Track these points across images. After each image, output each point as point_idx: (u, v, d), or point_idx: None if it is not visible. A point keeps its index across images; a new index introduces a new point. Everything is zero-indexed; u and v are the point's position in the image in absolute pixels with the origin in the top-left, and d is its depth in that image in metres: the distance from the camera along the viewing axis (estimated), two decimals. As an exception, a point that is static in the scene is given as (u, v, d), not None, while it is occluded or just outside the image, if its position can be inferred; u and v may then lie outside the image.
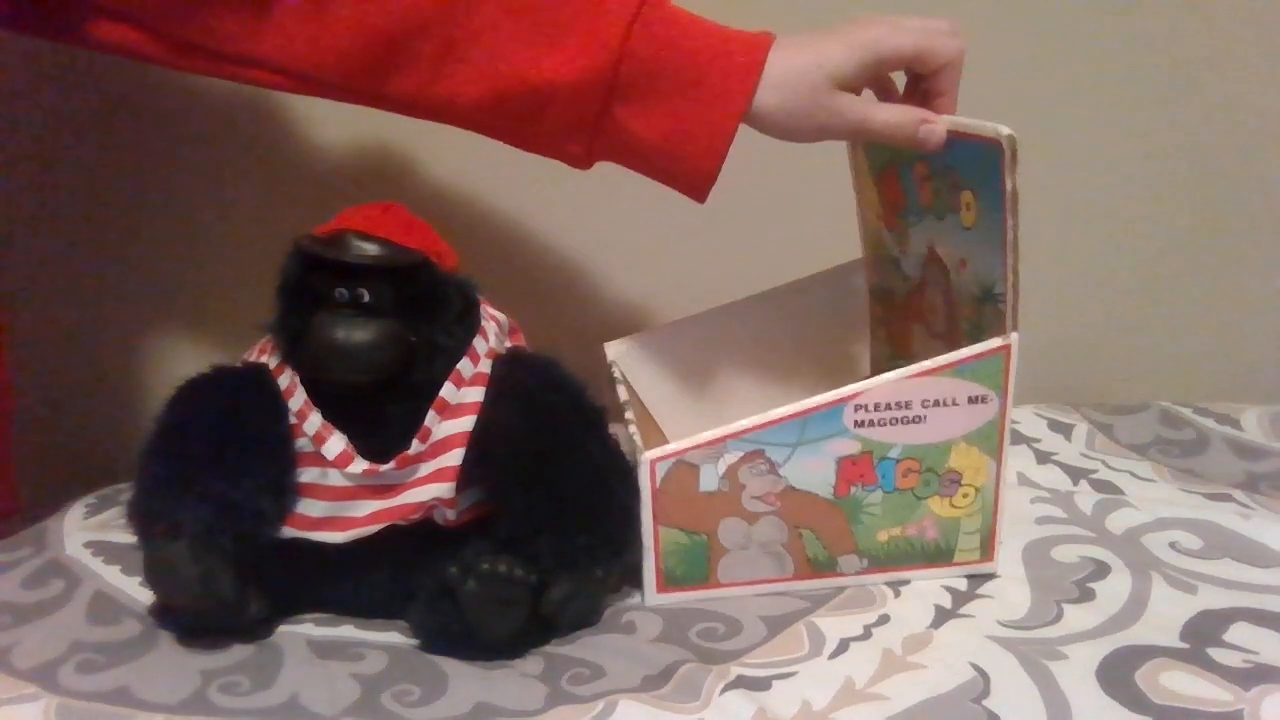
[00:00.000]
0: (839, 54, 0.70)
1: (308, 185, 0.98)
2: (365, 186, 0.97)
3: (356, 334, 0.64)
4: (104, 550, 0.76)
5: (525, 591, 0.65)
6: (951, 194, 0.73)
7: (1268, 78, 1.04)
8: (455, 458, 0.66)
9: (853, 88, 0.71)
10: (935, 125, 0.70)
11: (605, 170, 0.76)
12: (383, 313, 0.65)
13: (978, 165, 0.69)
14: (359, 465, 0.66)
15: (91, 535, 0.78)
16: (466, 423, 0.67)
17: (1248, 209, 1.07)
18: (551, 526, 0.67)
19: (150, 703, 0.61)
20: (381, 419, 0.66)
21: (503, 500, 0.67)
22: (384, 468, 0.66)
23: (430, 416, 0.66)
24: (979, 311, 0.72)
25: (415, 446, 0.66)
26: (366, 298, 0.64)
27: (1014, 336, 0.69)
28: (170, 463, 0.66)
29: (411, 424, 0.66)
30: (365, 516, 0.66)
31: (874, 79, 0.73)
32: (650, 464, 0.68)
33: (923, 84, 0.73)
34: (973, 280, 0.72)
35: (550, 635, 0.67)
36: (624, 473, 0.70)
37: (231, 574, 0.63)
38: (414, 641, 0.67)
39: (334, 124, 0.98)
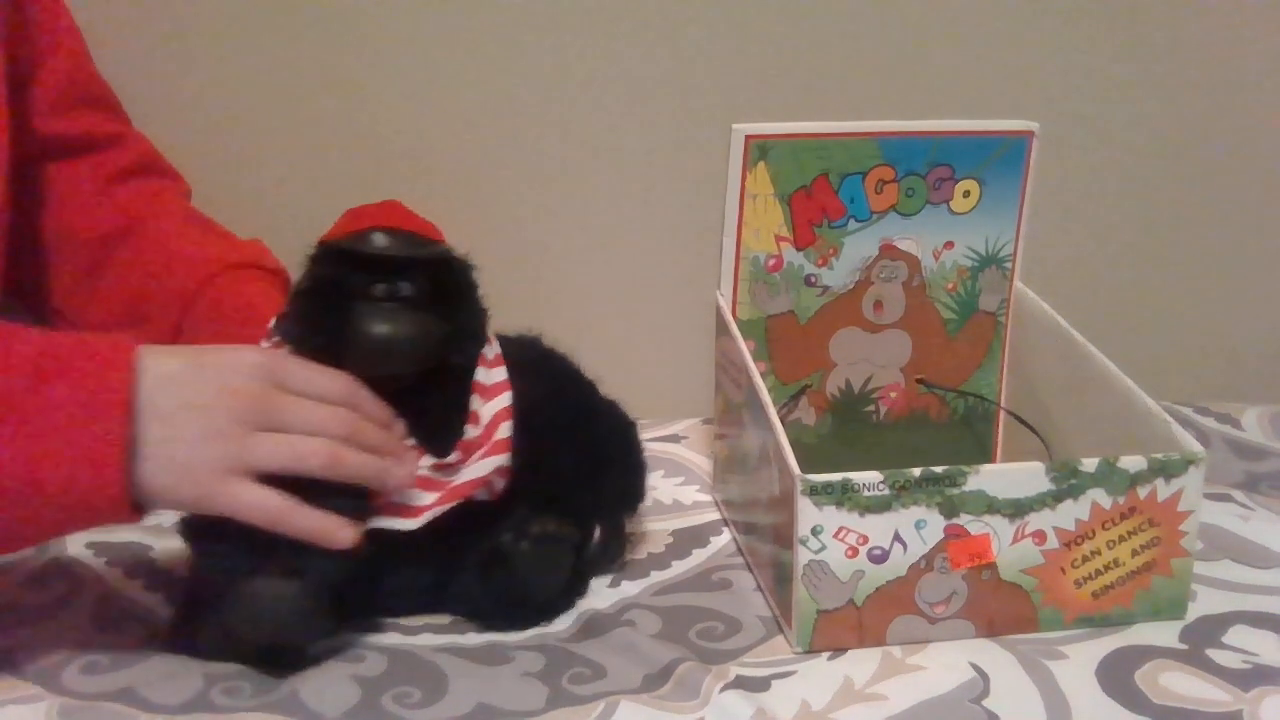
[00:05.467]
0: None
1: (307, 186, 0.98)
2: (353, 187, 0.97)
3: (404, 327, 0.65)
4: (105, 551, 0.76)
5: (571, 548, 0.69)
6: (939, 188, 0.80)
7: (1268, 77, 1.04)
8: (505, 430, 0.68)
9: None
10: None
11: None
12: (420, 305, 0.66)
13: (980, 158, 0.79)
14: (427, 460, 0.67)
15: (92, 535, 0.78)
16: (505, 399, 0.68)
17: (1248, 208, 1.07)
18: (590, 480, 0.72)
19: (153, 703, 0.61)
20: (424, 408, 0.68)
21: (546, 463, 0.70)
22: (449, 459, 0.67)
23: (474, 400, 0.68)
24: (974, 277, 0.83)
25: (469, 431, 0.67)
26: (407, 291, 0.65)
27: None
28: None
29: (452, 409, 0.68)
30: (435, 500, 0.67)
31: None
32: None
33: None
34: (964, 254, 0.82)
35: (584, 586, 0.72)
36: (632, 426, 0.76)
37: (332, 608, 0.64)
38: (415, 642, 0.67)
39: (327, 126, 0.98)
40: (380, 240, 0.66)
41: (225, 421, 0.60)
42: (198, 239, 0.84)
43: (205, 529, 0.63)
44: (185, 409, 0.60)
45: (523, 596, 0.68)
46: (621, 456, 0.75)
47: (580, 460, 0.72)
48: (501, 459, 0.67)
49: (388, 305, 0.65)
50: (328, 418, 0.63)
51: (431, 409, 0.68)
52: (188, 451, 0.60)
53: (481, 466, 0.67)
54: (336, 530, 0.62)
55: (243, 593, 0.61)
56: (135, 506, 0.60)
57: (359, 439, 0.64)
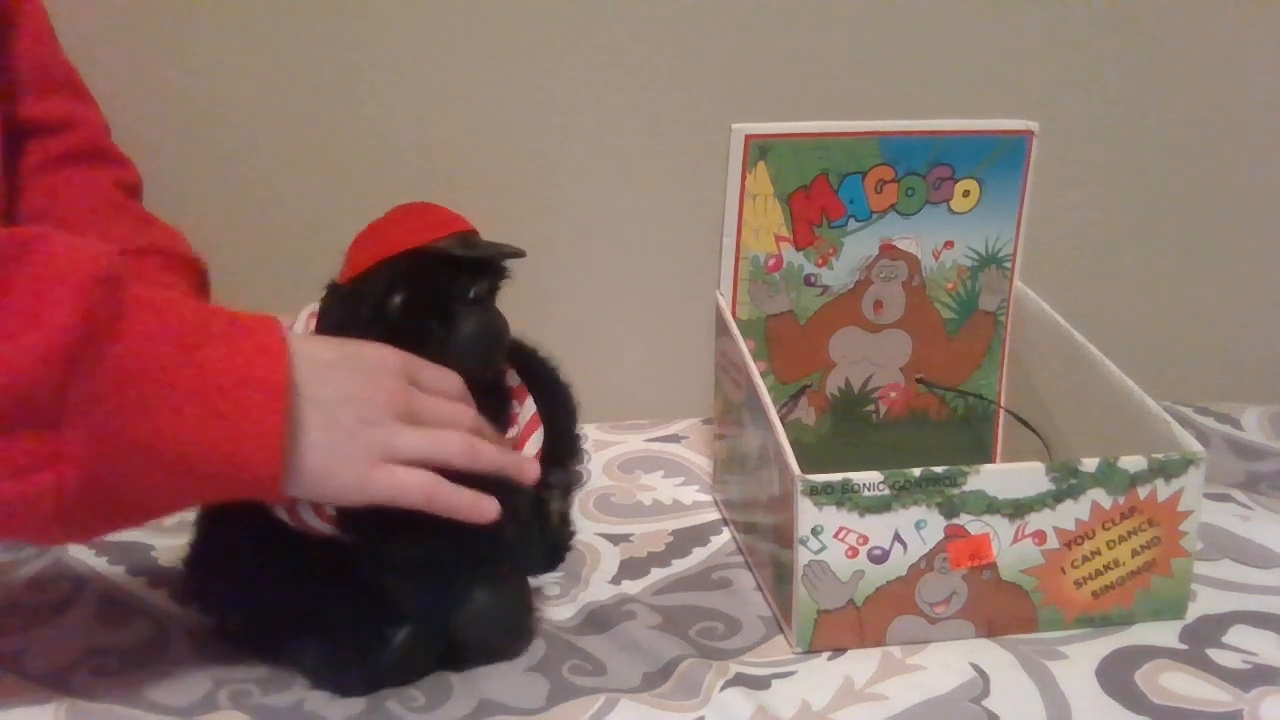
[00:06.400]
0: None
1: (306, 185, 0.98)
2: (353, 188, 0.97)
3: (502, 323, 0.69)
4: (107, 550, 0.76)
5: (563, 494, 0.81)
6: (938, 187, 0.80)
7: (1268, 77, 1.04)
8: (530, 406, 0.72)
9: None
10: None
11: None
12: (491, 303, 0.69)
13: (980, 158, 0.79)
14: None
15: (94, 535, 0.78)
16: (531, 404, 0.73)
17: (1248, 208, 1.07)
18: (566, 432, 0.81)
19: (160, 704, 0.61)
20: (483, 391, 0.70)
21: (547, 426, 0.74)
22: (510, 433, 0.71)
23: (510, 375, 0.73)
24: (974, 276, 0.83)
25: (514, 407, 0.72)
26: (487, 291, 0.68)
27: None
28: None
29: (494, 389, 0.72)
30: None
31: None
32: None
33: None
34: (964, 254, 0.82)
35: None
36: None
37: None
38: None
39: (326, 127, 0.98)
40: (486, 244, 0.68)
41: (377, 413, 0.61)
42: (104, 225, 0.80)
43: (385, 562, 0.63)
44: (344, 400, 0.61)
45: (550, 541, 0.76)
46: (571, 406, 0.81)
47: (560, 416, 0.78)
48: (541, 431, 0.73)
49: (478, 306, 0.68)
50: (459, 413, 0.65)
51: (487, 391, 0.70)
52: (347, 439, 0.60)
53: (532, 443, 0.72)
54: (484, 504, 0.62)
55: (475, 604, 0.63)
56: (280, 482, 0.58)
57: (482, 434, 0.65)
